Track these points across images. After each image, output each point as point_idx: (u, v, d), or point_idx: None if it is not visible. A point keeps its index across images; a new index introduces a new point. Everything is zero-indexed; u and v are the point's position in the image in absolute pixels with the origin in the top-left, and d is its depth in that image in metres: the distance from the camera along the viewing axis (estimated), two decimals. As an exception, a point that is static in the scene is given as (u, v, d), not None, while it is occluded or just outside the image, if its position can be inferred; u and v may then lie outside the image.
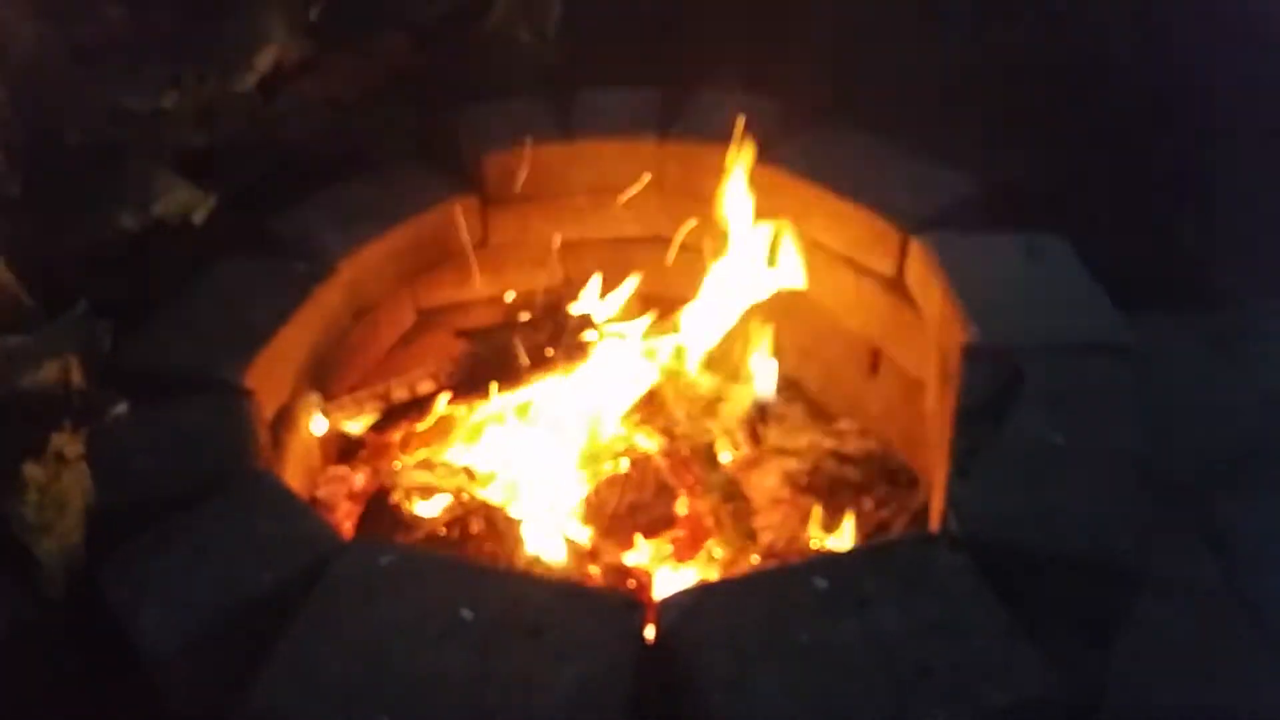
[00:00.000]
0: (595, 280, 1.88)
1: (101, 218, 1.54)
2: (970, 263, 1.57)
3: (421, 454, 1.76)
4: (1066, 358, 1.42)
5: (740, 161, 1.77)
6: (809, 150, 1.85)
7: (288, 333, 1.57)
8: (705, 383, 1.82)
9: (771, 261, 1.79)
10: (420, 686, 1.05)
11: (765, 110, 1.95)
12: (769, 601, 1.13)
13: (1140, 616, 1.24)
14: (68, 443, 1.20)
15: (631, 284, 1.87)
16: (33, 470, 1.16)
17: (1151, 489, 1.27)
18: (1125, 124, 2.26)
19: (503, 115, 1.97)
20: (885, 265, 1.73)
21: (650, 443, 1.77)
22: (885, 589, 1.14)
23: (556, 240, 1.95)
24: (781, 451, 1.80)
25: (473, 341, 1.84)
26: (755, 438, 1.76)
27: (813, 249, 1.83)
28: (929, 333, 1.62)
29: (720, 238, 1.82)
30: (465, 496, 1.61)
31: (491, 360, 1.78)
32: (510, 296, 1.92)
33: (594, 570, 1.55)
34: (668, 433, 1.78)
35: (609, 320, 1.87)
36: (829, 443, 1.84)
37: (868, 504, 1.70)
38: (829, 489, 1.72)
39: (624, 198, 1.93)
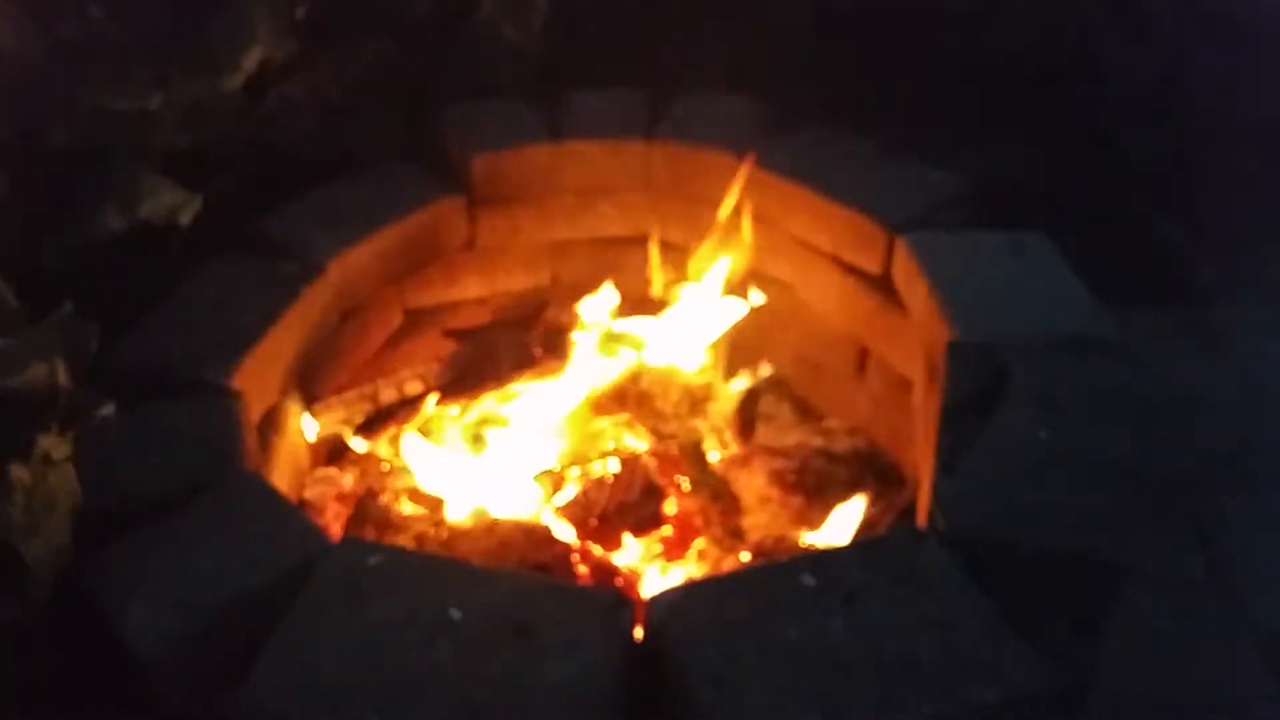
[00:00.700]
0: (584, 282, 1.89)
1: (87, 219, 1.53)
2: (956, 261, 1.58)
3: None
4: (1052, 354, 1.43)
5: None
6: (795, 150, 1.85)
7: (275, 334, 1.56)
8: (693, 381, 1.82)
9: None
10: (409, 686, 1.05)
11: (752, 111, 1.96)
12: (757, 598, 1.14)
13: (1125, 609, 1.25)
14: (55, 444, 1.20)
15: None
16: (19, 472, 1.16)
17: (1136, 484, 1.27)
18: (1110, 121, 2.27)
19: (490, 116, 1.97)
20: (872, 264, 1.74)
21: (639, 442, 1.77)
22: (872, 585, 1.14)
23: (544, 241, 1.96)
24: (770, 450, 1.81)
25: (461, 342, 1.84)
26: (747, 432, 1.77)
27: (799, 248, 1.84)
28: (915, 331, 1.63)
29: (708, 239, 1.83)
30: (452, 497, 1.61)
31: (479, 361, 1.79)
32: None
33: (583, 570, 1.55)
34: (656, 432, 1.78)
35: (596, 320, 1.87)
36: (817, 441, 1.85)
37: (856, 502, 1.71)
38: (817, 487, 1.73)
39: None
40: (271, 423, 1.59)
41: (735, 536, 1.63)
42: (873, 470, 1.77)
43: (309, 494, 1.72)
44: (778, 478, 1.74)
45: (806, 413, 1.96)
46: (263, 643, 1.08)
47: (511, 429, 1.76)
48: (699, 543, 1.62)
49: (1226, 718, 1.43)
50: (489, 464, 1.71)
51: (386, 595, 1.14)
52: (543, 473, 1.69)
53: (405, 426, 1.78)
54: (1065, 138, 2.21)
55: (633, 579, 1.55)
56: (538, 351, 1.79)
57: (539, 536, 1.55)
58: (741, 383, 1.81)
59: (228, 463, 1.34)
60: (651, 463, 1.70)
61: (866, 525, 1.64)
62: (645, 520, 1.62)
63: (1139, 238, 2.19)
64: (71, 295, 1.30)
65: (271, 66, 1.82)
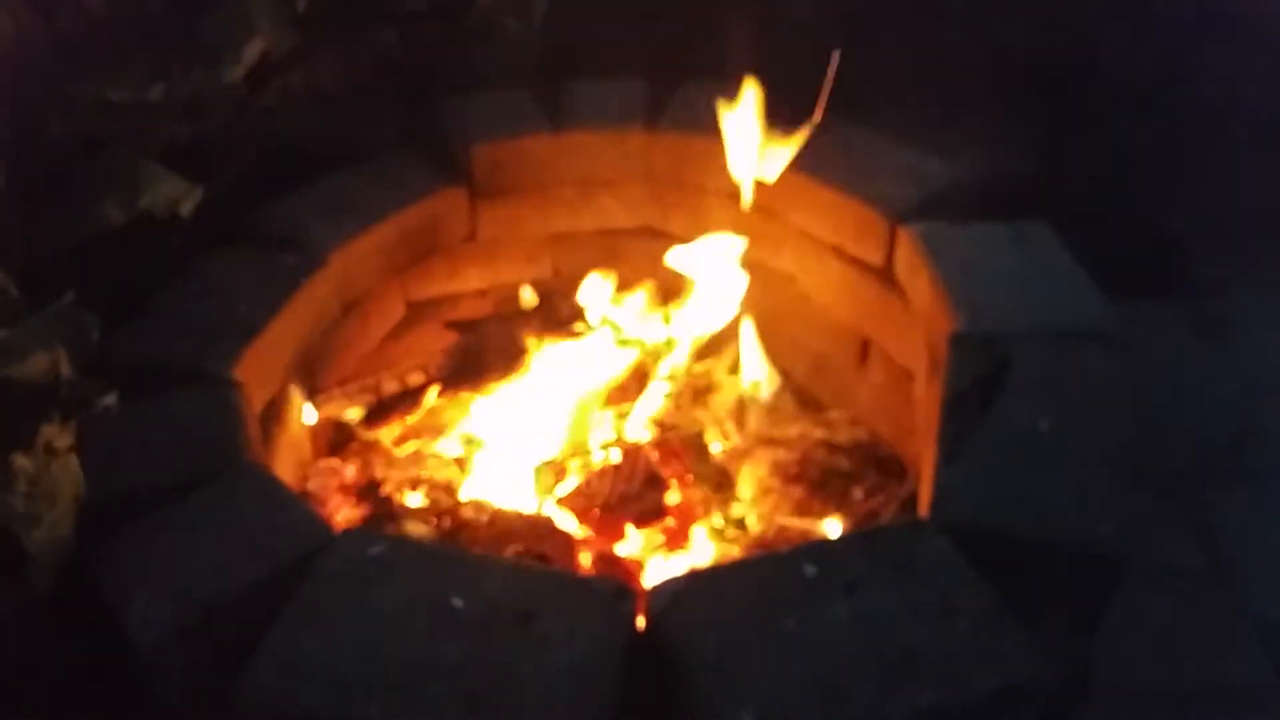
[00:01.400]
0: (585, 273, 1.89)
1: (88, 210, 1.53)
2: (958, 252, 1.58)
3: (412, 446, 1.77)
4: (1053, 345, 1.43)
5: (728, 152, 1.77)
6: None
7: (277, 325, 1.56)
8: (696, 372, 1.82)
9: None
10: (411, 675, 1.05)
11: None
12: (758, 587, 1.14)
13: (1126, 601, 1.25)
14: (57, 434, 1.20)
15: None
16: (22, 462, 1.16)
17: (1138, 475, 1.28)
18: (1113, 113, 2.27)
19: (491, 107, 1.97)
20: (874, 255, 1.74)
21: (641, 433, 1.77)
22: (873, 574, 1.14)
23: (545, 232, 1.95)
24: (771, 441, 1.81)
25: (462, 333, 1.84)
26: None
27: (801, 239, 1.83)
28: (917, 322, 1.63)
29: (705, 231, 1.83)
30: (456, 487, 1.62)
31: (481, 352, 1.79)
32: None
33: (584, 559, 1.56)
34: (658, 423, 1.78)
35: (599, 312, 1.87)
36: (819, 432, 1.85)
37: (857, 493, 1.71)
38: (819, 479, 1.73)
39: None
40: (273, 414, 1.59)
41: (737, 527, 1.63)
42: (874, 461, 1.77)
43: (311, 485, 1.72)
44: (779, 468, 1.74)
45: (808, 404, 1.96)
46: (265, 632, 1.09)
47: (513, 420, 1.77)
48: (700, 533, 1.62)
49: (1225, 706, 1.44)
50: (491, 455, 1.71)
51: (388, 584, 1.14)
52: (545, 463, 1.69)
53: (408, 418, 1.79)
54: (1069, 129, 2.21)
55: (634, 569, 1.55)
56: (538, 342, 1.79)
57: (541, 527, 1.55)
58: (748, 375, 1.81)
59: (230, 453, 1.34)
60: (653, 453, 1.70)
61: (868, 515, 1.64)
62: (647, 511, 1.62)
63: (1142, 229, 2.19)
64: (73, 286, 1.30)
65: (272, 58, 1.81)
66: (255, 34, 1.76)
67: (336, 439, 1.82)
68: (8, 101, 1.48)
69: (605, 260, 1.94)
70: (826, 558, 1.17)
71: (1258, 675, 1.52)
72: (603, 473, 1.65)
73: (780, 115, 1.76)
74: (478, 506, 1.59)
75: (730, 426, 1.77)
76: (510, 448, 1.72)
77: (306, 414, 1.70)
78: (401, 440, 1.79)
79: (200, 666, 1.14)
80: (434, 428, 1.80)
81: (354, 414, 1.75)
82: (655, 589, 1.15)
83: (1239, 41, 2.53)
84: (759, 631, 1.09)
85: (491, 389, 1.76)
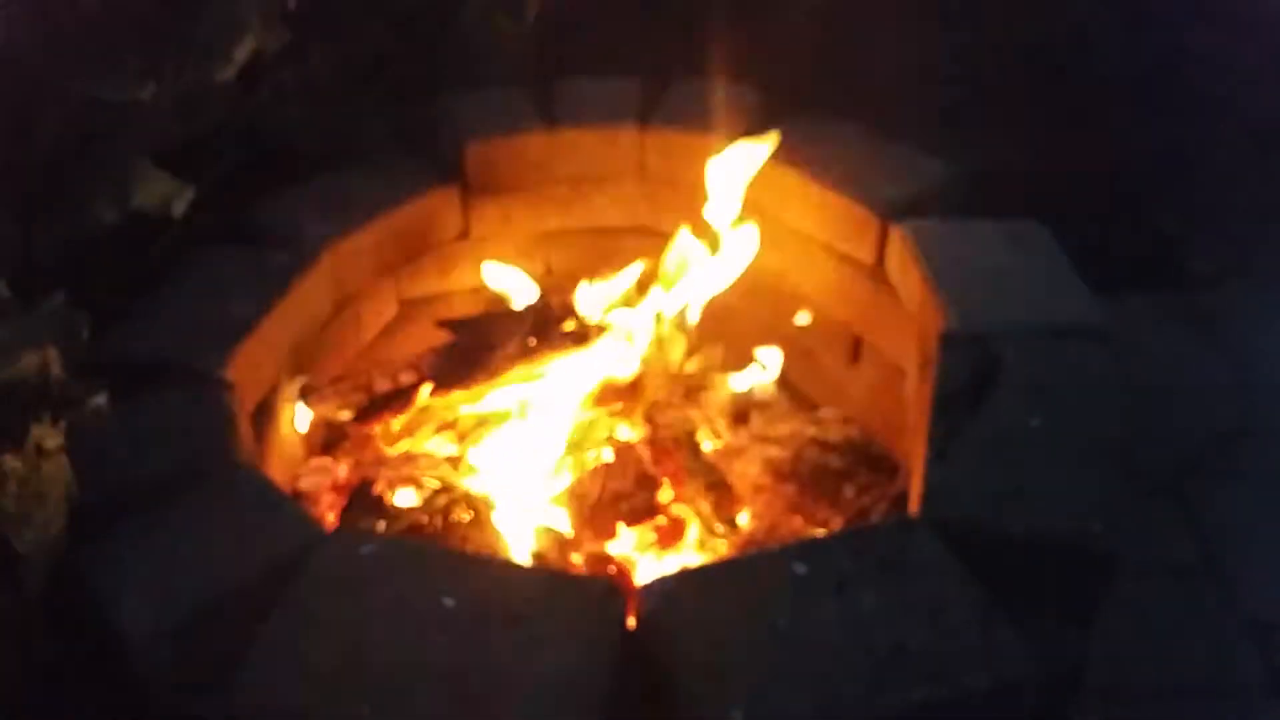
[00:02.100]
0: (578, 272, 1.88)
1: (79, 209, 1.53)
2: (949, 249, 1.58)
3: (404, 445, 1.76)
4: (1045, 342, 1.43)
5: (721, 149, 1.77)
6: (789, 138, 1.84)
7: (269, 324, 1.56)
8: (688, 370, 1.82)
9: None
10: (401, 675, 1.05)
11: (746, 98, 1.95)
12: (748, 586, 1.14)
13: (1118, 597, 1.25)
14: (47, 434, 1.20)
15: (634, 271, 1.86)
16: (12, 462, 1.16)
17: (1129, 471, 1.28)
18: (1105, 108, 2.27)
19: (483, 105, 1.96)
20: (865, 252, 1.74)
21: (632, 432, 1.77)
22: (863, 572, 1.14)
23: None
24: (763, 439, 1.81)
25: (455, 332, 1.84)
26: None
27: (792, 237, 1.83)
28: (909, 319, 1.63)
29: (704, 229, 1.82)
30: (447, 487, 1.62)
31: (474, 350, 1.78)
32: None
33: (576, 559, 1.56)
34: (650, 421, 1.78)
35: (591, 310, 1.87)
36: (811, 430, 1.85)
37: (849, 491, 1.71)
38: (811, 477, 1.73)
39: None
40: (265, 413, 1.59)
41: (729, 525, 1.63)
42: (866, 459, 1.78)
43: (303, 484, 1.72)
44: (771, 467, 1.74)
45: (800, 402, 1.96)
46: (256, 633, 1.09)
47: (506, 419, 1.77)
48: (692, 531, 1.62)
49: (1217, 704, 1.44)
50: (484, 453, 1.71)
51: (379, 584, 1.14)
52: (538, 462, 1.69)
53: (400, 416, 1.78)
54: (1061, 124, 2.21)
55: (626, 568, 1.55)
56: (531, 342, 1.79)
57: (534, 526, 1.55)
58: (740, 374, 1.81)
59: (221, 453, 1.33)
60: (645, 452, 1.70)
61: (859, 513, 1.65)
62: (638, 509, 1.62)
63: (1133, 225, 2.19)
64: (64, 285, 1.30)
65: (264, 56, 1.81)
66: (247, 32, 1.75)
67: (328, 437, 1.82)
68: (-1, 100, 1.48)
69: (598, 258, 1.94)
70: (817, 556, 1.17)
71: (1250, 672, 1.52)
72: (594, 471, 1.65)
73: (770, 112, 1.76)
74: (470, 505, 1.59)
75: (722, 425, 1.77)
76: (502, 447, 1.72)
77: (298, 413, 1.70)
78: (394, 439, 1.79)
79: (191, 667, 1.14)
80: (426, 426, 1.80)
81: (346, 413, 1.75)
82: (646, 588, 1.15)
83: (1235, 37, 2.53)
84: (749, 630, 1.09)
85: (483, 387, 1.76)
